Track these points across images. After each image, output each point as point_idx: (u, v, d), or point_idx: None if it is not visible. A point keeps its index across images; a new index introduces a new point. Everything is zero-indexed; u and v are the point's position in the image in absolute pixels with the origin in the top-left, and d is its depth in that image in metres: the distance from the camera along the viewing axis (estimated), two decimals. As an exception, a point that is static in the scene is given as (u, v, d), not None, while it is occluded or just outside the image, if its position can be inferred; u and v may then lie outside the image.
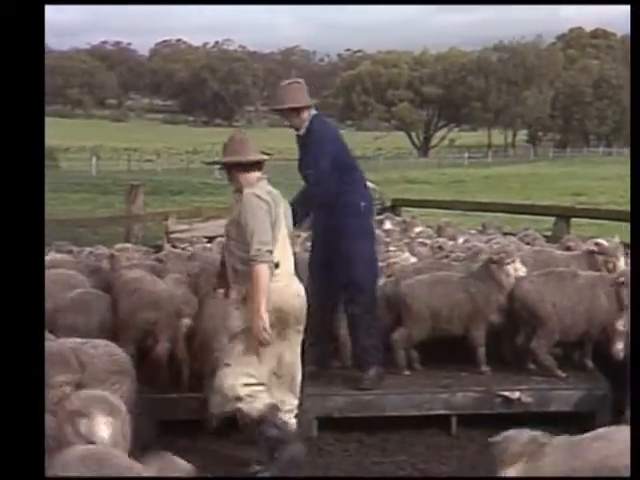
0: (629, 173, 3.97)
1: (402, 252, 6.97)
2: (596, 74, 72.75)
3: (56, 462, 2.91)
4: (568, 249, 7.15)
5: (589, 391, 5.35)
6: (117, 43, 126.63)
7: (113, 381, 4.44)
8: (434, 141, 76.98)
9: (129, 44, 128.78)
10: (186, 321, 5.47)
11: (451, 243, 7.94)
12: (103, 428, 3.20)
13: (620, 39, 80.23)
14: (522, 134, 79.21)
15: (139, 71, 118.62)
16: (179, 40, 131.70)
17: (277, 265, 4.28)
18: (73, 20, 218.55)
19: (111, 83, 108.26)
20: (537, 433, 2.90)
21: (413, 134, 76.13)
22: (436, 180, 35.75)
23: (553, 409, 5.36)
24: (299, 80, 5.35)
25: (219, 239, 7.46)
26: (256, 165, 4.47)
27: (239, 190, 4.42)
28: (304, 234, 7.39)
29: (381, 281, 6.03)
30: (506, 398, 5.31)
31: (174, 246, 8.52)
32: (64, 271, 6.06)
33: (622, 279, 5.38)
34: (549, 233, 10.15)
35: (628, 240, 4.62)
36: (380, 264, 6.43)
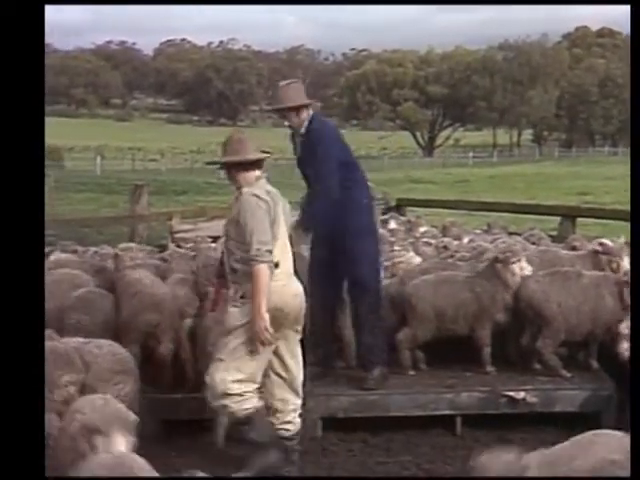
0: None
1: (407, 252, 6.95)
2: (602, 73, 72.61)
3: (83, 470, 2.88)
4: (574, 249, 7.13)
5: (594, 391, 5.33)
6: (122, 43, 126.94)
7: (117, 381, 4.45)
8: (439, 141, 76.92)
9: (134, 44, 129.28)
10: (189, 321, 5.47)
11: (456, 243, 7.93)
12: (120, 446, 3.17)
13: (626, 38, 79.93)
14: (527, 133, 79.10)
15: (143, 71, 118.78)
16: (184, 40, 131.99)
17: (277, 265, 4.28)
18: (78, 20, 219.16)
19: (115, 83, 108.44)
20: (516, 455, 2.82)
21: (418, 134, 76.07)
22: (441, 180, 35.72)
23: (558, 409, 5.35)
24: (297, 80, 5.40)
25: (223, 239, 7.45)
26: (255, 164, 4.47)
27: (239, 189, 4.42)
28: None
29: (385, 281, 6.03)
30: (511, 398, 5.30)
31: (178, 246, 8.51)
32: (69, 271, 6.06)
33: (626, 279, 5.37)
34: (554, 233, 10.13)
35: (633, 240, 4.60)
36: (385, 263, 6.43)
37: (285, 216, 4.46)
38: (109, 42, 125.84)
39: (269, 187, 4.46)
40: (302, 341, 4.65)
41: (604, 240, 6.80)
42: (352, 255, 5.31)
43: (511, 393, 5.30)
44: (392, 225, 9.65)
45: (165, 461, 4.16)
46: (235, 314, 4.32)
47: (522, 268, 5.63)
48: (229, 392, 4.27)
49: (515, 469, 2.71)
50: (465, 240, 8.29)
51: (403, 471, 4.82)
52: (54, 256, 7.32)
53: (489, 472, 2.87)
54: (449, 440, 5.25)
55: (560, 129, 77.04)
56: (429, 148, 74.02)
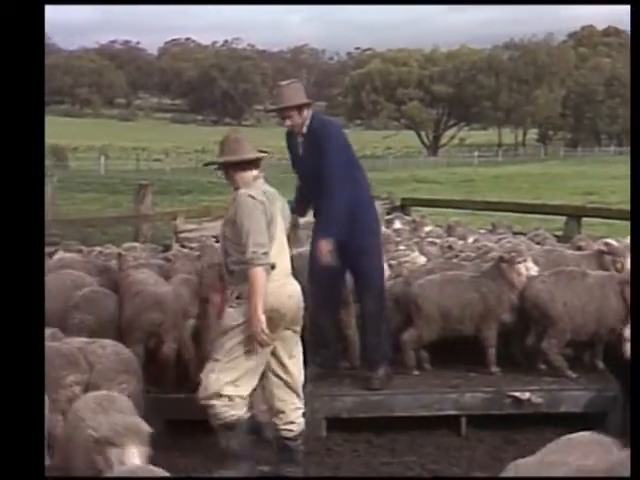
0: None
1: (412, 251, 6.94)
2: (608, 72, 72.38)
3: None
4: (579, 249, 7.12)
5: (600, 392, 5.31)
6: (126, 42, 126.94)
7: (120, 380, 4.45)
8: (444, 140, 76.78)
9: (138, 43, 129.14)
10: (192, 322, 5.47)
11: (461, 242, 7.92)
12: (134, 458, 3.14)
13: (632, 37, 79.64)
14: (533, 133, 78.90)
15: (148, 70, 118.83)
16: (188, 39, 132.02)
17: (273, 266, 4.26)
18: (82, 19, 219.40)
19: (120, 82, 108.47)
20: None
21: (423, 133, 75.97)
22: (446, 179, 35.66)
23: (563, 410, 5.33)
24: (297, 80, 5.42)
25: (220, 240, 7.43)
26: (253, 164, 4.45)
27: (237, 190, 4.41)
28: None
29: (390, 281, 6.02)
30: (516, 399, 5.28)
31: (183, 246, 8.51)
32: (73, 272, 6.05)
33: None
34: (560, 233, 10.10)
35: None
36: (391, 262, 6.43)
37: (283, 216, 4.44)
38: (113, 42, 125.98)
39: (267, 187, 4.44)
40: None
41: (609, 240, 6.79)
42: (357, 252, 5.32)
43: (516, 393, 5.28)
44: (397, 225, 9.65)
45: (169, 461, 4.15)
46: (231, 314, 4.31)
47: (528, 268, 5.62)
48: (221, 393, 4.25)
49: None
50: (470, 240, 8.28)
51: (408, 471, 4.81)
52: (58, 255, 7.33)
53: None
54: (454, 440, 5.23)
55: (566, 128, 76.81)
56: (434, 147, 73.89)
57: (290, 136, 5.38)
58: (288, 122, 5.20)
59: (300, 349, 4.50)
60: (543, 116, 72.04)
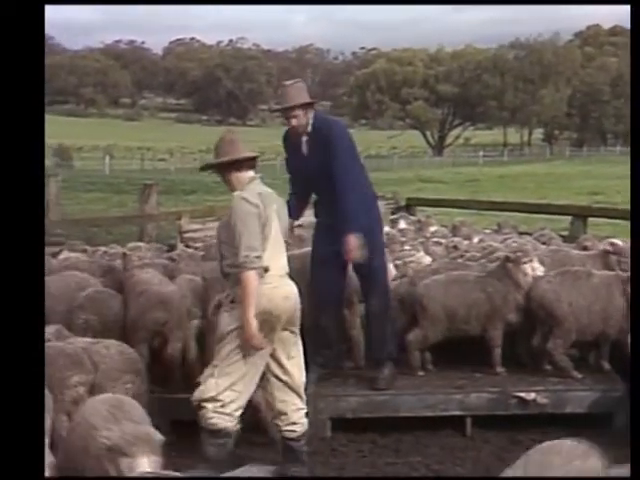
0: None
1: (417, 251, 6.92)
2: (614, 72, 72.16)
3: None
4: (585, 249, 7.11)
5: (605, 392, 5.29)
6: (131, 42, 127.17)
7: (125, 380, 4.46)
8: (449, 140, 76.70)
9: (143, 43, 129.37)
10: (196, 322, 5.46)
11: (466, 242, 7.90)
12: (145, 468, 3.11)
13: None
14: (538, 133, 78.79)
15: (153, 70, 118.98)
16: (193, 39, 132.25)
17: (266, 269, 4.22)
18: (86, 19, 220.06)
19: (124, 82, 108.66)
20: None
21: (428, 133, 75.89)
22: (451, 179, 35.61)
23: (569, 410, 5.31)
24: (300, 80, 5.40)
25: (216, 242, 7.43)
26: (248, 165, 4.43)
27: (233, 191, 4.37)
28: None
29: (396, 281, 6.02)
30: (521, 399, 5.27)
31: (187, 245, 8.51)
32: (77, 273, 6.06)
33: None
34: (566, 233, 10.08)
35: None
36: (396, 262, 6.43)
37: (280, 216, 4.38)
38: (118, 41, 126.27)
39: (263, 188, 4.40)
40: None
41: (615, 240, 6.77)
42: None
43: (522, 394, 5.27)
44: (402, 225, 9.63)
45: (174, 461, 4.14)
46: (226, 319, 4.29)
47: (534, 268, 5.61)
48: (217, 397, 4.23)
49: None
50: (475, 240, 8.26)
51: (412, 472, 4.80)
52: (63, 255, 7.35)
53: None
54: (459, 441, 5.22)
55: (571, 128, 76.63)
56: (439, 147, 73.81)
57: (290, 136, 5.36)
58: (294, 121, 5.19)
59: (300, 349, 4.48)
60: (549, 116, 71.89)
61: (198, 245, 8.53)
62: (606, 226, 12.50)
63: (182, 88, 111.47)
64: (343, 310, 5.61)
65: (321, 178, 5.27)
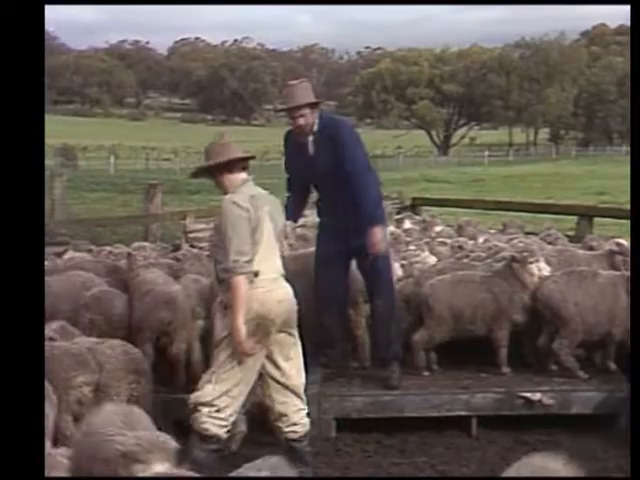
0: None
1: (422, 251, 6.91)
2: (620, 71, 71.92)
3: None
4: (591, 249, 7.09)
5: (612, 393, 5.27)
6: (136, 42, 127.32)
7: (129, 380, 4.45)
8: (454, 139, 76.62)
9: (147, 43, 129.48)
10: (200, 322, 5.45)
11: (471, 242, 7.88)
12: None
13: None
14: (544, 132, 78.63)
15: (157, 70, 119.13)
16: (197, 38, 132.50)
17: (257, 274, 4.19)
18: (91, 19, 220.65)
19: (129, 82, 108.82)
20: None
21: (433, 132, 75.82)
22: (456, 179, 35.58)
23: (575, 411, 5.29)
24: (305, 79, 5.39)
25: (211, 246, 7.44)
26: (240, 166, 4.38)
27: (226, 194, 4.33)
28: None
29: (401, 282, 6.01)
30: (527, 399, 5.25)
31: (192, 245, 8.50)
32: (82, 273, 6.06)
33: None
34: (572, 233, 10.05)
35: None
36: (402, 262, 6.41)
37: (274, 218, 4.32)
38: (123, 41, 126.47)
39: (256, 190, 4.37)
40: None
41: (621, 240, 6.75)
42: (365, 252, 5.31)
43: (527, 394, 5.25)
44: (407, 225, 9.60)
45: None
46: (220, 325, 4.29)
47: (540, 268, 5.59)
48: (213, 402, 4.22)
49: None
50: (480, 240, 8.24)
51: (418, 472, 4.79)
52: (68, 255, 7.35)
53: None
54: (464, 441, 5.21)
55: (577, 128, 76.44)
56: (444, 147, 73.73)
57: (295, 136, 5.33)
58: (301, 121, 5.17)
59: (299, 350, 4.46)
60: (554, 115, 71.77)
61: (203, 245, 8.52)
62: (612, 226, 12.46)
63: (187, 88, 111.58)
64: (347, 310, 5.60)
65: (326, 178, 5.27)
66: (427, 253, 6.89)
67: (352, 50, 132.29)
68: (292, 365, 4.39)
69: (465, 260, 6.59)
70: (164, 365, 5.30)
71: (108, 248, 7.97)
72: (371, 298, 5.49)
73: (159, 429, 3.31)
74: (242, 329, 4.10)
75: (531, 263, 5.58)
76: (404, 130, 78.74)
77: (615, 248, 6.44)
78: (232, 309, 4.13)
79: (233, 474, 2.96)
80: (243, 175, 4.38)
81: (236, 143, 4.61)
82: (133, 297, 5.54)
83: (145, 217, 12.40)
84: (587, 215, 10.58)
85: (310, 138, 5.25)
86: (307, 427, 4.45)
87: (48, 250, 7.33)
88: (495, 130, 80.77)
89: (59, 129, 58.33)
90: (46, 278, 5.68)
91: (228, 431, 4.32)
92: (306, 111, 5.15)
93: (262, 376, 4.35)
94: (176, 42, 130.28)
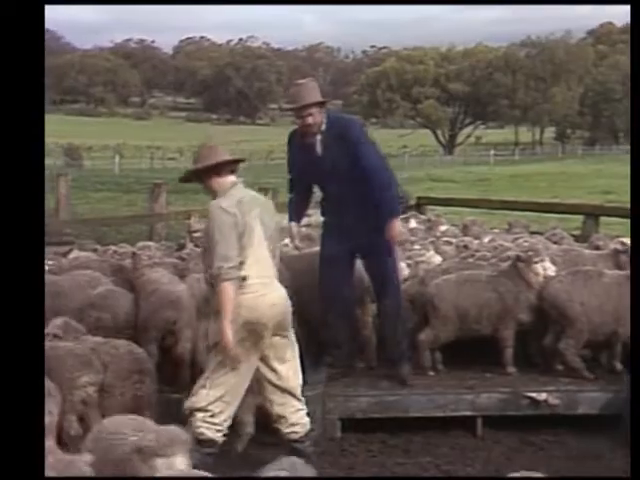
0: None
1: (427, 251, 6.89)
2: (627, 70, 71.70)
3: None
4: (597, 248, 7.07)
5: (617, 393, 5.24)
6: (141, 41, 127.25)
7: (134, 380, 4.45)
8: (460, 139, 76.53)
9: (152, 42, 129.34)
10: (205, 323, 5.44)
11: (476, 242, 7.85)
12: (181, 466, 3.15)
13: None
14: (550, 131, 78.46)
15: (162, 69, 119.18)
16: (203, 37, 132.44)
17: (245, 278, 4.16)
18: (96, 19, 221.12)
19: (134, 81, 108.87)
20: None
21: (439, 132, 75.75)
22: (462, 178, 35.52)
23: (581, 411, 5.27)
24: (311, 79, 5.40)
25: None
26: (229, 170, 4.36)
27: (214, 198, 4.32)
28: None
29: (407, 281, 5.99)
30: (533, 399, 5.24)
31: (197, 245, 8.49)
32: (87, 272, 6.06)
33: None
34: (578, 232, 10.01)
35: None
36: (407, 262, 6.40)
37: (264, 221, 4.29)
38: (128, 40, 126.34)
39: (246, 192, 4.35)
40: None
41: (626, 239, 6.71)
42: (371, 252, 5.32)
43: (533, 394, 5.24)
44: (412, 224, 9.57)
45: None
46: (212, 330, 4.29)
47: (545, 268, 5.57)
48: (207, 408, 4.23)
49: None
50: (485, 239, 8.21)
51: (422, 472, 4.78)
52: (73, 255, 7.35)
53: None
54: (469, 441, 5.20)
55: (583, 127, 76.26)
56: (450, 146, 73.64)
57: (301, 136, 5.30)
58: (310, 120, 5.14)
59: (295, 352, 4.45)
60: (561, 114, 71.64)
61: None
62: (618, 225, 12.41)
63: (192, 87, 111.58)
64: (353, 309, 5.59)
65: (333, 177, 5.26)
66: (432, 252, 6.86)
67: (358, 49, 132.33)
68: (288, 367, 4.39)
69: (470, 260, 6.57)
70: (169, 365, 5.30)
71: (113, 247, 7.97)
72: (378, 298, 5.48)
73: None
74: (229, 334, 4.09)
75: (536, 263, 5.56)
76: (409, 129, 78.68)
77: (620, 247, 6.41)
78: (219, 315, 4.13)
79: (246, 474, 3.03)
80: (232, 178, 4.36)
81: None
82: (139, 297, 5.54)
83: (150, 216, 12.41)
84: (593, 214, 10.52)
85: (318, 137, 5.23)
86: (307, 427, 4.45)
87: (53, 250, 7.35)
88: (501, 129, 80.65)
89: (64, 128, 58.48)
90: (52, 277, 5.70)
91: (225, 435, 4.32)
92: (314, 110, 5.14)
93: (259, 380, 4.36)
94: (181, 41, 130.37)
